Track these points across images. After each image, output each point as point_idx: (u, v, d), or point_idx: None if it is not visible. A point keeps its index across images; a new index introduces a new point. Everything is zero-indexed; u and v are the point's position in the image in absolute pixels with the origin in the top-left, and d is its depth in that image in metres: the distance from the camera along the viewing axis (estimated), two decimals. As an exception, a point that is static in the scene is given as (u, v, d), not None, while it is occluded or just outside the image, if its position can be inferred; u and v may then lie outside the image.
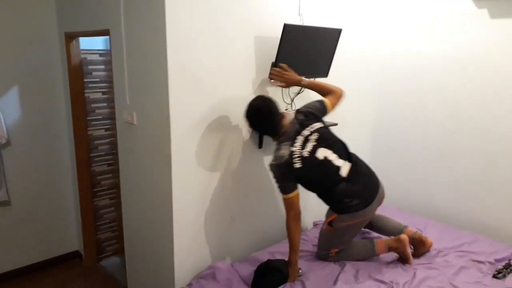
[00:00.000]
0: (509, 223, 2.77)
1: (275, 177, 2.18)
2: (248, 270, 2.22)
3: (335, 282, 2.16)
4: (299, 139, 2.20)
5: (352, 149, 3.29)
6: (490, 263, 2.34)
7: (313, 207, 3.10)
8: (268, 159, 2.64)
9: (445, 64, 2.97)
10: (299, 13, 2.56)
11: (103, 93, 3.27)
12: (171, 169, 2.14)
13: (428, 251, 2.44)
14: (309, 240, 2.66)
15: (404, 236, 2.32)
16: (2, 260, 3.06)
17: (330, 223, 2.29)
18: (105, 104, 3.29)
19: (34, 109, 3.04)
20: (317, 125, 2.27)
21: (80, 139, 3.13)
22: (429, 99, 3.10)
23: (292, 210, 2.19)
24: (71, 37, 2.95)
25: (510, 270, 2.24)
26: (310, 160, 2.17)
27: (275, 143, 2.28)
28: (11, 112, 2.94)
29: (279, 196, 2.78)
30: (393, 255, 2.41)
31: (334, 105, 2.39)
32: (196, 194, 2.30)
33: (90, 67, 3.17)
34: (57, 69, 3.10)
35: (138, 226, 2.60)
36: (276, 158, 2.17)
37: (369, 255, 2.40)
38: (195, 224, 2.33)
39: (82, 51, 3.07)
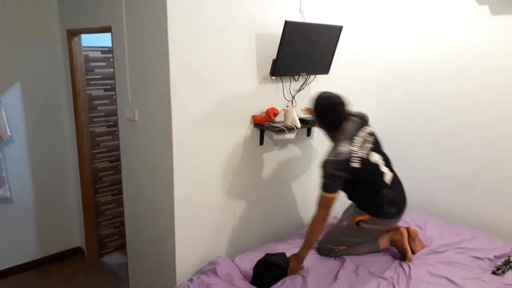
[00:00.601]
0: (508, 221, 2.78)
1: (326, 172, 2.15)
2: (249, 266, 2.24)
3: (335, 277, 2.17)
4: (358, 140, 2.22)
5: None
6: (489, 259, 2.35)
7: (313, 203, 3.12)
8: (269, 156, 2.66)
9: (445, 62, 2.97)
10: (300, 10, 2.57)
11: (105, 90, 3.28)
12: (173, 166, 2.16)
13: (422, 247, 2.45)
14: (310, 236, 2.67)
15: (403, 228, 2.38)
16: (4, 256, 3.08)
17: (358, 222, 2.31)
18: (107, 101, 3.30)
19: (36, 106, 3.06)
20: (371, 129, 2.33)
21: (82, 136, 3.14)
22: (429, 97, 3.10)
23: (325, 210, 2.18)
24: (73, 34, 2.96)
25: (509, 266, 2.25)
26: (367, 162, 2.21)
27: (331, 141, 2.29)
28: (13, 109, 2.95)
29: (280, 192, 2.81)
30: (393, 252, 2.43)
31: None
32: (198, 190, 2.31)
33: (92, 64, 3.18)
34: (59, 66, 3.12)
35: (140, 222, 2.61)
36: (334, 154, 2.17)
37: (372, 250, 2.42)
38: (196, 220, 2.34)
39: (84, 48, 3.08)
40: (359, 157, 2.17)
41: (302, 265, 2.25)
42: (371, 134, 2.31)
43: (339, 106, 2.21)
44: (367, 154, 2.23)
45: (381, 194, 2.27)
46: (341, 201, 2.41)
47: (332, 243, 2.40)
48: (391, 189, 2.30)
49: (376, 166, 2.26)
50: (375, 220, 2.29)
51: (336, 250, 2.39)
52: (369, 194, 2.28)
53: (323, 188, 2.17)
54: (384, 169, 2.29)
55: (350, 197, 2.38)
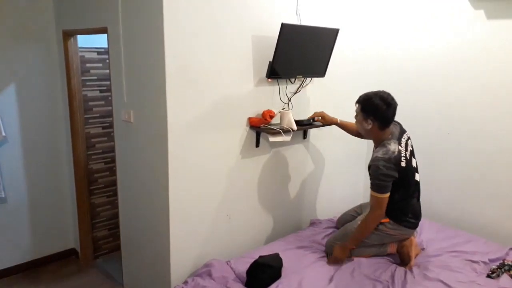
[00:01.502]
0: (504, 223, 2.78)
1: (379, 173, 2.15)
2: (243, 268, 2.23)
3: (331, 279, 2.17)
4: (403, 141, 2.27)
5: (348, 150, 3.32)
6: (484, 263, 2.35)
7: (309, 205, 3.12)
8: (265, 158, 2.66)
9: (441, 65, 2.99)
10: (296, 12, 2.57)
11: (101, 91, 3.27)
12: (168, 167, 2.15)
13: (418, 253, 2.45)
14: (305, 237, 2.67)
15: (412, 236, 2.39)
16: (-2, 257, 3.07)
17: (377, 225, 2.32)
18: (102, 102, 3.29)
19: (32, 106, 3.04)
20: (408, 135, 2.36)
21: (77, 137, 3.13)
22: (425, 100, 3.11)
23: (380, 210, 2.22)
24: (69, 35, 2.95)
25: (504, 270, 2.26)
26: (410, 164, 2.25)
27: (375, 140, 2.32)
28: (8, 109, 2.93)
29: (275, 194, 2.81)
30: (391, 257, 2.42)
31: None
32: (193, 192, 2.30)
33: (87, 65, 3.17)
34: (55, 67, 3.10)
35: (135, 224, 2.60)
36: (386, 152, 2.18)
37: (379, 253, 2.42)
38: (191, 222, 2.34)
39: (80, 49, 3.07)
40: (405, 157, 2.21)
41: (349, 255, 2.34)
42: (409, 139, 2.35)
43: (392, 103, 2.24)
44: (410, 157, 2.27)
45: (410, 203, 2.32)
46: (342, 201, 2.41)
47: (342, 239, 2.39)
48: (417, 200, 2.37)
49: (415, 170, 2.31)
50: (394, 225, 2.31)
51: None
52: (401, 199, 2.28)
53: (376, 190, 2.19)
54: (417, 177, 2.35)
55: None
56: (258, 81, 2.49)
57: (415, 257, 2.40)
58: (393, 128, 2.31)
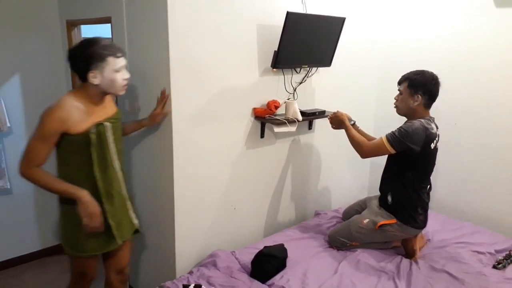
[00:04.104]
0: (510, 215, 2.77)
1: (409, 128, 2.15)
2: (248, 258, 2.23)
3: (335, 270, 2.17)
4: (438, 130, 2.29)
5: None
6: (490, 254, 2.35)
7: (314, 196, 3.11)
8: (270, 149, 2.65)
9: (448, 56, 2.95)
10: (302, 1, 2.54)
11: (105, 81, 3.26)
12: (173, 158, 2.14)
13: (424, 245, 2.44)
14: (310, 228, 2.66)
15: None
16: (3, 248, 3.08)
17: (382, 226, 2.31)
18: (106, 93, 3.28)
19: (36, 97, 3.03)
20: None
21: (82, 128, 3.12)
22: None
23: (370, 151, 2.26)
24: (72, 25, 2.93)
25: (510, 261, 2.25)
26: (434, 153, 2.26)
27: (413, 118, 2.28)
28: (12, 100, 2.93)
29: (280, 185, 2.80)
30: (398, 249, 2.42)
31: None
32: (198, 183, 2.30)
33: (91, 55, 3.15)
34: (59, 57, 3.09)
35: (140, 215, 2.60)
36: (428, 123, 2.20)
37: (383, 247, 2.42)
38: (196, 213, 2.34)
39: (84, 39, 3.05)
40: (435, 142, 2.22)
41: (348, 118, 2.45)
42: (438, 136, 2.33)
43: (439, 80, 2.26)
44: (436, 148, 2.27)
45: (421, 195, 2.29)
46: (347, 193, 2.40)
47: (347, 237, 2.38)
48: (428, 195, 2.35)
49: (434, 162, 2.31)
50: (401, 226, 2.29)
51: (348, 245, 2.38)
52: (414, 187, 2.27)
53: (391, 137, 2.19)
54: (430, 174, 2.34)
55: (391, 185, 2.35)
56: (263, 71, 2.47)
57: (421, 249, 2.39)
58: (429, 115, 2.31)
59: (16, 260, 3.15)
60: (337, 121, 2.45)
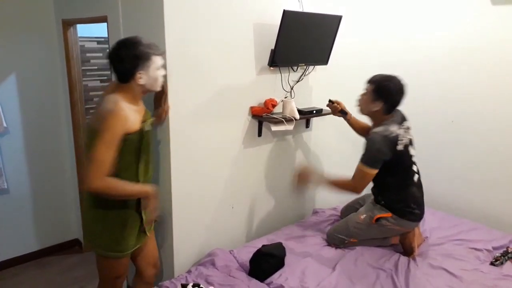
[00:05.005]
0: (507, 212, 2.78)
1: (375, 147, 2.16)
2: (247, 257, 2.23)
3: (334, 268, 2.17)
4: (403, 127, 2.26)
5: (351, 139, 3.29)
6: (487, 250, 2.36)
7: (312, 195, 3.12)
8: (267, 147, 2.65)
9: (445, 53, 2.95)
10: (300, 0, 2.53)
11: (101, 81, 3.25)
12: (170, 157, 2.14)
13: (421, 242, 2.45)
14: (308, 226, 2.67)
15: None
16: (1, 248, 3.07)
17: (378, 219, 2.31)
18: (103, 92, 3.27)
19: (32, 97, 3.02)
20: (409, 124, 2.34)
21: (78, 127, 3.11)
22: (429, 88, 3.08)
23: (360, 184, 2.21)
24: (68, 24, 2.91)
25: (508, 257, 2.26)
26: (406, 150, 2.24)
27: (376, 123, 2.30)
28: (9, 100, 2.91)
29: (278, 184, 2.80)
30: (395, 246, 2.42)
31: None
32: (196, 182, 2.29)
33: (88, 54, 3.14)
34: (55, 57, 3.07)
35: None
36: (385, 130, 2.19)
37: (382, 244, 2.42)
38: (194, 212, 2.33)
39: (80, 38, 3.04)
40: (402, 141, 2.21)
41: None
42: (409, 128, 2.33)
43: (405, 90, 2.23)
44: (407, 144, 2.26)
45: (410, 191, 2.29)
46: (343, 195, 2.41)
47: (344, 233, 2.38)
48: (418, 190, 2.33)
49: (411, 158, 2.30)
50: (397, 220, 2.29)
51: (346, 241, 2.38)
52: (399, 186, 2.29)
53: (365, 162, 2.18)
54: (415, 167, 2.34)
55: (378, 189, 2.36)
56: (260, 70, 2.46)
57: (418, 246, 2.39)
58: (396, 114, 2.30)
59: (14, 260, 3.14)
60: (304, 180, 2.33)
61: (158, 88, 1.85)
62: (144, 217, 1.90)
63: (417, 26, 3.09)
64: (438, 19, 2.96)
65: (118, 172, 1.72)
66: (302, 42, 2.46)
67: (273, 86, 2.56)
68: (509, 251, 2.30)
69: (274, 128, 2.48)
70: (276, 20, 2.28)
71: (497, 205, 2.82)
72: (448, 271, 2.14)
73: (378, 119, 2.29)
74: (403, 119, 2.32)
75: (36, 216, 3.20)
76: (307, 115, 2.62)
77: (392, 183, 2.28)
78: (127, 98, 1.76)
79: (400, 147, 2.18)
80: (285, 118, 2.44)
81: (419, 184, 2.36)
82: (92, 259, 3.29)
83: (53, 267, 3.17)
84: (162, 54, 1.78)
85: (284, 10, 2.24)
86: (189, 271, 2.20)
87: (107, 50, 2.85)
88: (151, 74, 1.76)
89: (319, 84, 2.86)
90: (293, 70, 2.65)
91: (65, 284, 2.98)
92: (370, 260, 2.26)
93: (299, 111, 2.54)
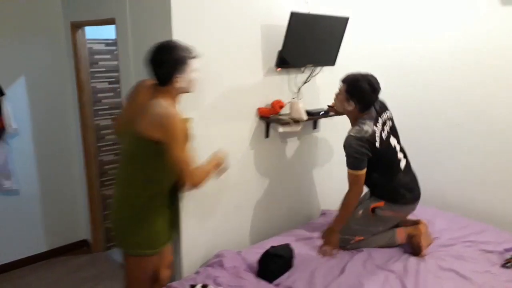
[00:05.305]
0: (518, 213, 2.75)
1: (352, 150, 2.19)
2: (255, 258, 2.23)
3: (343, 270, 2.16)
4: (380, 121, 2.27)
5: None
6: (499, 252, 2.32)
7: (320, 196, 3.10)
8: (274, 149, 2.64)
9: (452, 55, 2.93)
10: (306, 1, 2.53)
11: (110, 82, 3.27)
12: (178, 158, 2.14)
13: (431, 243, 2.42)
14: (316, 227, 2.65)
15: (421, 225, 2.36)
16: (11, 249, 3.10)
17: (374, 209, 2.32)
18: (111, 94, 3.29)
19: (41, 99, 3.05)
20: (390, 114, 2.35)
21: (87, 129, 3.14)
22: (436, 90, 3.06)
23: (357, 187, 2.25)
24: (77, 27, 2.94)
25: (519, 259, 2.23)
26: (386, 143, 2.26)
27: (353, 120, 2.32)
28: (18, 102, 2.94)
29: (286, 185, 2.79)
30: (403, 247, 2.40)
31: None
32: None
33: (96, 56, 3.16)
34: (64, 59, 3.10)
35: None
36: (358, 131, 2.20)
37: (388, 244, 2.40)
38: (202, 213, 2.33)
39: (88, 41, 3.06)
40: (380, 137, 2.21)
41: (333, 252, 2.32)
42: (390, 119, 2.34)
43: (378, 85, 2.24)
44: (387, 137, 2.26)
45: (397, 179, 2.30)
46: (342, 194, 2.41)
47: (348, 233, 2.37)
48: (406, 174, 2.33)
49: (394, 150, 2.30)
50: (391, 206, 2.30)
51: (352, 241, 2.36)
52: (385, 179, 2.31)
53: (351, 167, 2.22)
54: (400, 155, 2.33)
55: (368, 184, 2.37)
56: (267, 71, 2.46)
57: (427, 247, 2.37)
58: (371, 108, 2.29)
59: (22, 261, 3.17)
60: (330, 238, 2.34)
61: (194, 90, 1.89)
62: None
63: (424, 27, 3.07)
64: (446, 20, 2.94)
65: (156, 171, 1.80)
66: (309, 43, 2.45)
67: (280, 88, 2.56)
68: (521, 253, 2.27)
69: (282, 129, 2.48)
70: (283, 21, 2.28)
71: (508, 206, 2.78)
72: (459, 273, 2.11)
73: (353, 118, 2.31)
74: (381, 111, 2.31)
75: (45, 217, 3.23)
76: (314, 116, 2.62)
77: (378, 177, 2.31)
78: (169, 100, 1.80)
79: (377, 144, 2.20)
80: (292, 120, 2.43)
81: (406, 169, 2.36)
82: (100, 260, 3.31)
83: (61, 268, 3.19)
84: (197, 56, 1.82)
85: (291, 12, 2.24)
86: (197, 272, 2.20)
87: (115, 52, 2.88)
88: (188, 77, 1.80)
89: (327, 85, 2.84)
90: (300, 71, 2.64)
91: (73, 284, 2.99)
92: (378, 261, 2.24)
93: (307, 112, 2.53)
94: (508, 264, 2.19)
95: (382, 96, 2.62)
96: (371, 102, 2.25)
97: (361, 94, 2.22)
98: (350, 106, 2.27)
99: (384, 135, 2.25)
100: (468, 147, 2.93)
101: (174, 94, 1.82)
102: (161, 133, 1.68)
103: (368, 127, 2.21)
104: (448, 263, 2.21)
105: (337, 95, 2.33)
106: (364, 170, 2.22)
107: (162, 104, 1.73)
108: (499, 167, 2.79)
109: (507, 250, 2.34)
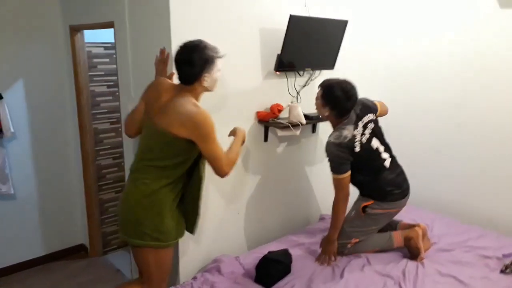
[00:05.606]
0: (517, 218, 2.74)
1: (331, 155, 2.23)
2: (253, 264, 2.21)
3: (341, 275, 2.15)
4: (360, 125, 2.27)
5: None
6: (497, 258, 2.31)
7: (319, 200, 3.09)
8: (273, 153, 2.64)
9: (451, 57, 2.93)
10: (305, 4, 2.53)
11: (108, 86, 3.26)
12: (176, 162, 2.13)
13: (429, 247, 2.41)
14: (315, 232, 2.64)
15: (418, 228, 2.36)
16: (8, 253, 3.08)
17: (364, 209, 2.33)
18: (110, 98, 3.28)
19: (39, 102, 3.04)
20: (372, 116, 2.35)
21: (85, 133, 3.13)
22: (435, 93, 3.06)
23: (342, 191, 2.27)
24: (75, 30, 2.93)
25: (518, 265, 2.22)
26: (367, 147, 2.27)
27: (333, 125, 2.33)
28: (16, 105, 2.93)
29: (285, 189, 2.78)
30: (402, 251, 2.39)
31: (382, 112, 2.49)
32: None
33: (94, 60, 3.16)
34: (62, 63, 3.09)
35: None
36: (337, 137, 2.22)
37: (385, 247, 2.39)
38: (200, 218, 2.31)
39: (87, 44, 3.06)
40: (360, 141, 2.23)
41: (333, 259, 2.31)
42: (372, 121, 2.34)
43: (354, 92, 2.23)
44: (368, 140, 2.27)
45: (382, 177, 2.31)
46: (352, 196, 2.41)
47: (343, 237, 2.36)
48: (392, 172, 2.34)
49: (376, 151, 2.31)
50: (380, 204, 2.32)
51: (348, 245, 2.35)
52: (370, 178, 2.32)
53: (333, 171, 2.25)
54: (385, 155, 2.34)
55: (354, 184, 2.39)
56: (266, 75, 2.46)
57: (426, 251, 2.36)
58: (353, 113, 2.29)
59: (19, 265, 3.14)
60: (328, 247, 2.33)
61: (215, 89, 1.92)
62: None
63: (423, 30, 3.08)
64: (445, 22, 2.95)
65: (188, 166, 1.86)
66: (308, 46, 2.45)
67: (279, 91, 2.56)
68: (520, 259, 2.26)
69: (281, 133, 2.47)
70: (282, 25, 2.28)
71: (506, 212, 2.77)
72: (457, 278, 2.10)
73: (333, 122, 2.33)
74: (362, 114, 2.31)
75: (42, 221, 3.21)
76: (313, 120, 2.61)
77: (363, 178, 2.33)
78: (194, 98, 1.83)
79: (357, 148, 2.22)
80: (291, 123, 2.43)
81: (392, 167, 2.36)
82: (98, 264, 3.29)
83: (59, 273, 3.17)
84: (223, 56, 1.86)
85: (290, 15, 2.24)
86: (194, 278, 2.18)
87: (114, 56, 2.87)
88: (213, 76, 1.84)
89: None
90: (299, 75, 2.64)
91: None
92: (377, 267, 2.23)
93: (306, 116, 2.53)
94: (507, 270, 2.18)
95: (381, 98, 2.63)
96: (345, 109, 2.25)
97: (334, 101, 2.23)
98: (326, 112, 2.29)
99: (364, 138, 2.26)
100: (466, 152, 2.93)
101: (198, 92, 1.86)
102: (194, 132, 1.73)
103: (347, 132, 2.22)
104: (446, 268, 2.20)
105: (316, 99, 2.34)
106: (347, 174, 2.24)
107: (191, 102, 1.78)
108: (498, 172, 2.79)
109: (505, 256, 2.34)
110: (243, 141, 2.05)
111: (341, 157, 2.21)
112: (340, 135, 2.22)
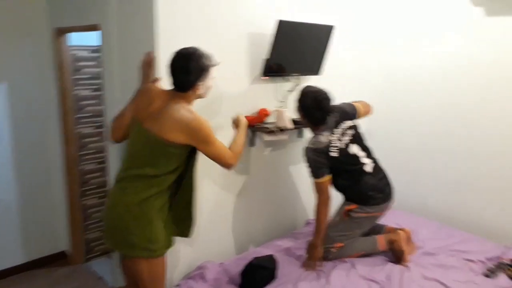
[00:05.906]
0: (500, 222, 2.78)
1: (308, 160, 2.27)
2: (237, 270, 2.19)
3: (326, 281, 2.14)
4: (338, 131, 2.30)
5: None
6: (481, 262, 2.34)
7: (305, 205, 3.09)
8: (260, 157, 2.63)
9: (441, 64, 2.98)
10: (292, 9, 2.54)
11: (93, 90, 3.22)
12: (161, 166, 2.10)
13: (414, 251, 2.42)
14: (301, 237, 2.64)
15: (401, 231, 2.38)
16: (-14, 261, 2.99)
17: (348, 213, 2.35)
18: (94, 101, 3.24)
19: (22, 106, 2.98)
20: (351, 123, 2.38)
21: (69, 137, 3.07)
22: (425, 99, 3.10)
23: (322, 195, 2.29)
24: (60, 33, 2.89)
25: (502, 269, 2.24)
26: (345, 153, 2.29)
27: (312, 132, 2.36)
28: (-2, 108, 2.88)
29: (271, 194, 2.78)
30: (386, 255, 2.39)
31: (364, 113, 2.53)
32: (187, 192, 2.26)
33: (80, 63, 3.12)
34: (47, 65, 3.04)
35: (127, 225, 2.55)
36: (314, 142, 2.26)
37: (370, 251, 2.39)
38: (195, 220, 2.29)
39: (72, 47, 3.02)
40: (337, 147, 2.27)
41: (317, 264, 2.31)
42: (351, 127, 2.37)
43: (326, 102, 2.27)
44: (346, 146, 2.31)
45: (363, 182, 2.34)
46: (338, 201, 2.41)
47: (327, 242, 2.36)
48: (374, 177, 2.36)
49: (354, 156, 2.34)
50: (363, 208, 2.34)
51: (333, 250, 2.35)
52: (351, 183, 2.35)
53: (312, 175, 2.28)
54: (365, 160, 2.37)
55: (336, 188, 2.41)
56: (253, 79, 2.46)
57: (410, 255, 2.37)
58: (330, 120, 2.33)
59: (2, 273, 3.05)
60: (313, 253, 2.32)
61: (207, 96, 1.94)
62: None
63: (412, 36, 3.12)
64: (434, 30, 2.99)
65: (181, 170, 1.86)
66: (295, 52, 2.46)
67: (266, 96, 2.56)
68: (503, 262, 2.28)
69: (267, 138, 2.47)
70: (268, 30, 2.29)
71: (490, 216, 2.81)
72: (442, 282, 2.11)
73: (311, 128, 2.37)
74: (341, 119, 2.34)
75: (23, 228, 3.13)
76: (300, 125, 2.62)
77: (344, 182, 2.36)
78: (189, 105, 1.85)
79: (334, 153, 2.26)
80: (278, 128, 2.43)
81: (374, 171, 2.38)
82: (80, 272, 3.22)
83: (41, 280, 3.09)
84: (217, 64, 1.88)
85: (279, 20, 2.25)
86: (178, 285, 2.15)
87: (99, 59, 2.84)
88: (207, 84, 1.86)
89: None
90: (287, 80, 2.64)
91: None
92: (362, 271, 2.22)
93: (292, 121, 2.53)
94: (491, 274, 2.20)
95: (370, 103, 2.67)
96: (317, 119, 2.30)
97: (305, 109, 2.29)
98: (301, 119, 2.36)
99: (342, 144, 2.30)
100: (454, 157, 2.97)
101: (191, 99, 1.87)
102: (193, 137, 1.76)
103: (324, 138, 2.27)
104: (431, 272, 2.21)
105: (295, 105, 2.38)
106: (326, 177, 2.27)
107: (186, 108, 1.80)
108: (483, 177, 2.83)
109: (489, 259, 2.36)
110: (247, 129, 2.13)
111: (318, 161, 2.24)
112: (317, 140, 2.27)
